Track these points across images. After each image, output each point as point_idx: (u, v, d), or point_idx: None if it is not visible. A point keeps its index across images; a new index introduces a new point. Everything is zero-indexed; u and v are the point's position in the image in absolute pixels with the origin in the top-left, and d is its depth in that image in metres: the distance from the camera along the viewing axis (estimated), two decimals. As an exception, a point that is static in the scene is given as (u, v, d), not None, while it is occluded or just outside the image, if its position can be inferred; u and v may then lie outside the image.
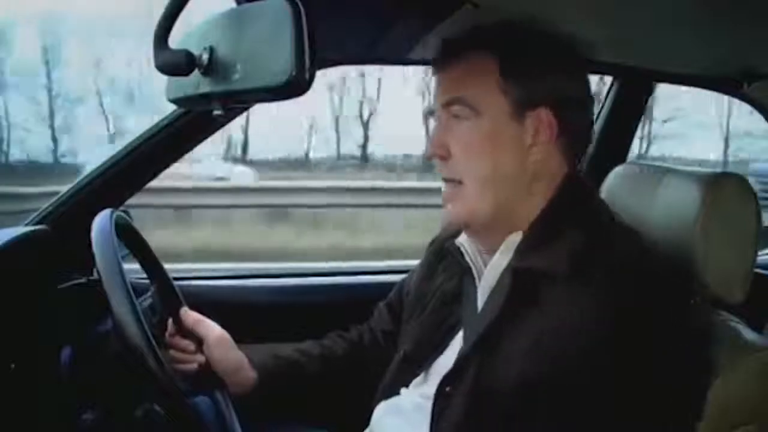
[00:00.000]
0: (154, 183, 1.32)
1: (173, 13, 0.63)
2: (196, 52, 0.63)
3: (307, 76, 0.55)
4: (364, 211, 6.44)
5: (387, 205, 6.22)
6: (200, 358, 1.04)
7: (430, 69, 0.91)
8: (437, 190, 0.91)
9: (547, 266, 0.79)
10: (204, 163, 8.07)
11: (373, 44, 1.07)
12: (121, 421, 0.91)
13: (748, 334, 0.86)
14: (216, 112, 0.66)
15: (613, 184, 1.04)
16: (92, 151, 9.20)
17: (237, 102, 0.68)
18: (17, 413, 0.97)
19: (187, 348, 1.04)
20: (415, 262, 1.09)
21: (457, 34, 0.86)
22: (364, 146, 11.11)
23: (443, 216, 0.90)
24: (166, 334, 1.05)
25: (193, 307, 1.08)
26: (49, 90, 10.46)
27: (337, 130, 11.36)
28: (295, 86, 0.55)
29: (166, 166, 1.31)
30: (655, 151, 10.49)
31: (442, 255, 0.99)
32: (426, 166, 6.44)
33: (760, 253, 1.53)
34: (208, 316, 1.06)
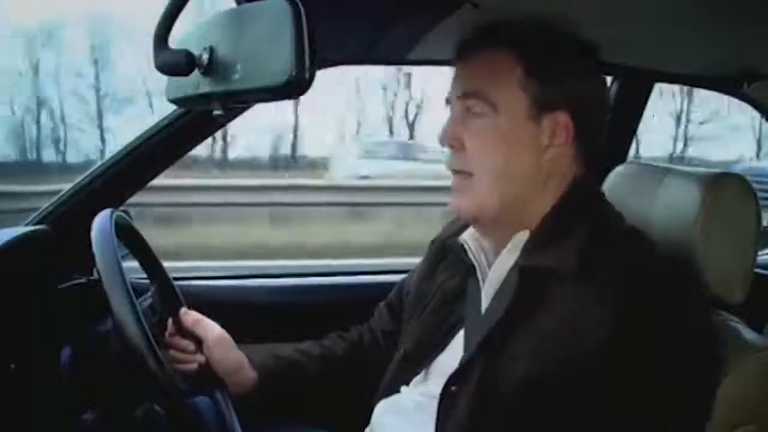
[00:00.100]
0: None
1: (173, 13, 0.63)
2: (196, 52, 0.63)
3: (307, 76, 0.55)
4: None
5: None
6: (200, 358, 1.04)
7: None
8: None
9: (555, 264, 0.79)
10: (344, 161, 8.13)
11: (373, 44, 1.07)
12: (121, 421, 0.91)
13: (748, 334, 0.86)
14: (216, 112, 0.66)
15: (613, 184, 1.04)
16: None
17: (237, 102, 0.68)
18: (17, 413, 0.97)
19: (186, 348, 1.04)
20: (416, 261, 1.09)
21: (483, 28, 0.85)
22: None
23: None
24: (166, 334, 1.05)
25: (193, 307, 1.08)
26: (97, 90, 10.53)
27: (390, 131, 11.69)
28: (295, 86, 0.55)
29: (166, 166, 1.31)
30: (690, 152, 10.92)
31: (443, 254, 0.99)
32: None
33: (760, 253, 1.53)
34: (208, 316, 1.07)
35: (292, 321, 1.32)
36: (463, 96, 0.85)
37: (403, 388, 0.92)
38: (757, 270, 0.91)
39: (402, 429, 0.88)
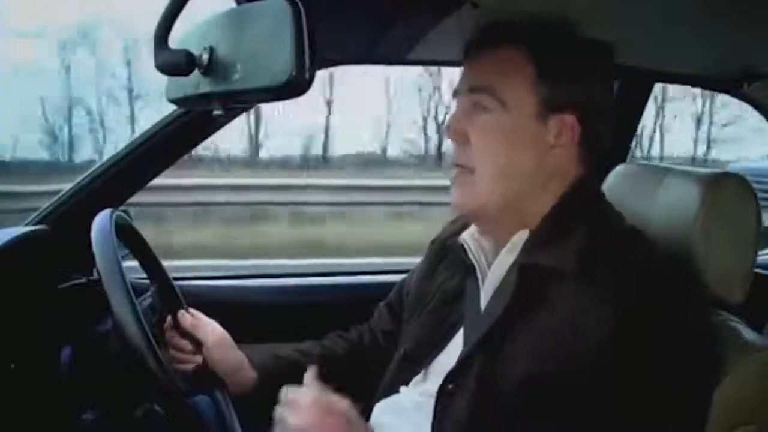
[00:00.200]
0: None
1: (173, 13, 0.63)
2: (196, 52, 0.63)
3: (307, 76, 0.55)
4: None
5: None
6: (199, 358, 1.04)
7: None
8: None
9: (555, 264, 0.79)
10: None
11: (373, 44, 1.07)
12: (121, 421, 0.91)
13: (748, 334, 0.86)
14: (216, 112, 0.66)
15: (613, 184, 1.04)
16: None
17: (237, 102, 0.68)
18: (17, 413, 0.97)
19: (186, 348, 1.05)
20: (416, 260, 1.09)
21: (496, 25, 0.85)
22: (439, 146, 11.60)
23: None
24: (164, 328, 1.06)
25: (192, 307, 1.08)
26: (130, 91, 10.69)
27: (425, 132, 11.98)
28: (295, 86, 0.55)
29: (166, 166, 1.31)
30: (713, 154, 11.28)
31: (443, 254, 0.99)
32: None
33: (760, 253, 1.53)
34: (208, 316, 1.07)
35: (292, 321, 1.33)
36: (472, 91, 0.85)
37: (403, 388, 0.92)
38: (757, 270, 0.91)
39: (401, 429, 0.88)
